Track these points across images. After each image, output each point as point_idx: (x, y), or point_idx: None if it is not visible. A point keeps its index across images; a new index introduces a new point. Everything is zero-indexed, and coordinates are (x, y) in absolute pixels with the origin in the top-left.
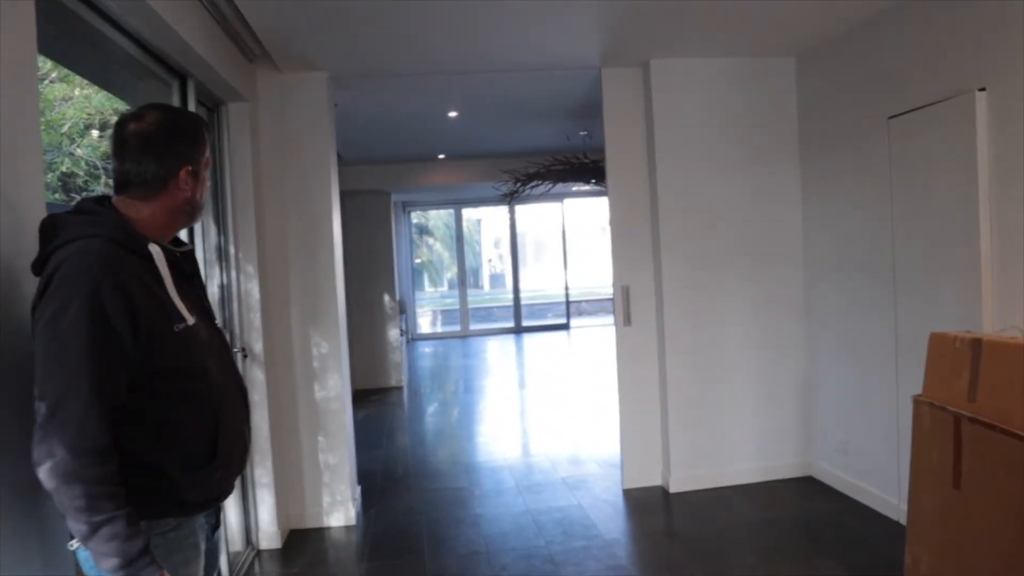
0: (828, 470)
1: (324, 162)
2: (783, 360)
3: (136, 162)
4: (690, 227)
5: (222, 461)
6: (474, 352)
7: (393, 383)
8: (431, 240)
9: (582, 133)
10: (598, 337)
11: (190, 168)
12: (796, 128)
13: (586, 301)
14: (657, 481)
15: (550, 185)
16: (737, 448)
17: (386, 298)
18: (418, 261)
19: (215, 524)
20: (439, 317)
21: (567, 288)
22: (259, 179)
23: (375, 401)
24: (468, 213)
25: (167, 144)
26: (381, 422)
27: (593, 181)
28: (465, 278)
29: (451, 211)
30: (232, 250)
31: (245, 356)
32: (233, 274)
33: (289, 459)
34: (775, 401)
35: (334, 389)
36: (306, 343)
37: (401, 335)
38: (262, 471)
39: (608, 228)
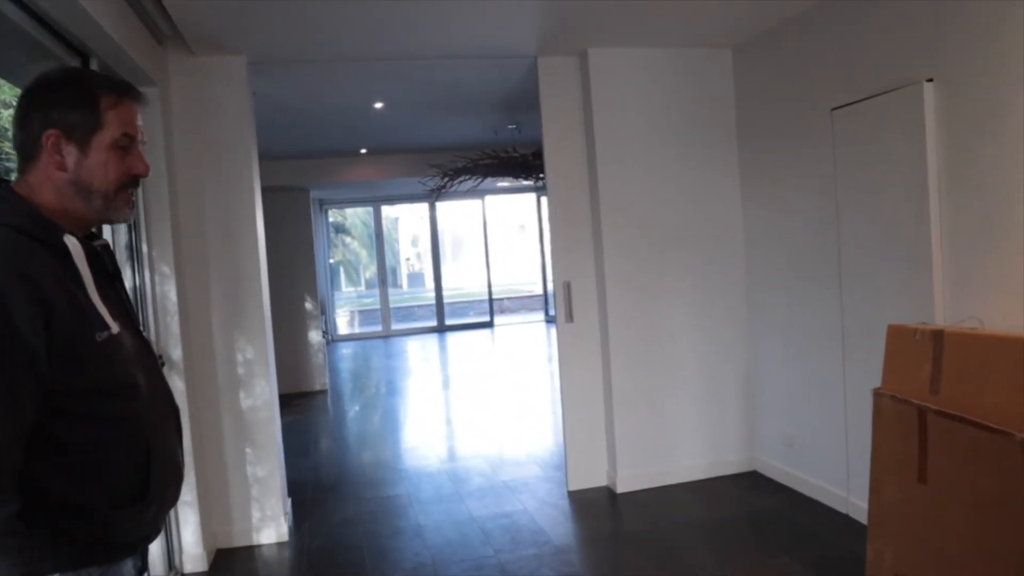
0: (773, 464)
1: (245, 153)
2: (726, 355)
3: (14, 127)
4: (631, 219)
5: (157, 494)
6: (398, 352)
7: (317, 387)
8: (348, 239)
9: (511, 126)
10: (522, 334)
11: (59, 132)
12: (735, 121)
13: (508, 298)
14: (603, 482)
15: (478, 180)
16: (682, 445)
17: (307, 299)
18: (334, 260)
19: (142, 567)
20: (357, 317)
21: (490, 286)
22: (173, 171)
23: (299, 406)
24: (387, 211)
25: (30, 103)
26: (307, 428)
27: (523, 176)
28: (386, 277)
29: (370, 209)
30: (145, 248)
31: (163, 364)
32: (147, 275)
33: (214, 474)
34: (719, 397)
35: (261, 396)
36: (229, 348)
37: (323, 336)
38: (184, 488)
39: (526, 226)
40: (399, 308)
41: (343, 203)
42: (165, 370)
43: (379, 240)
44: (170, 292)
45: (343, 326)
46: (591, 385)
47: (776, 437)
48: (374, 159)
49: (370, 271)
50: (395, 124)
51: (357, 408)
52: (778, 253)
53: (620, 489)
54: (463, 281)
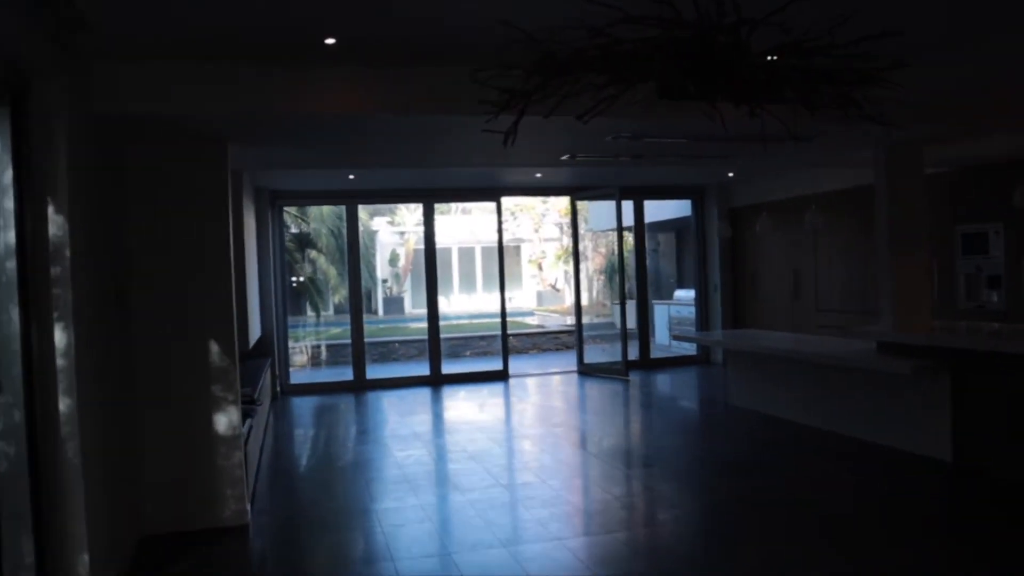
0: None
1: None
2: None
3: None
4: None
5: None
6: (377, 426)
7: (227, 517)
8: (313, 253)
9: None
10: (559, 396)
11: None
12: None
13: (514, 335)
14: None
15: (597, 102)
16: None
17: (214, 349)
18: (297, 280)
19: None
20: (321, 353)
21: (504, 316)
22: None
23: None
24: (363, 218)
25: None
26: None
27: (724, 88)
28: (360, 303)
29: (340, 211)
30: None
31: None
32: None
33: None
34: None
35: None
36: None
37: (252, 410)
38: None
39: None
40: (374, 343)
41: (304, 198)
42: None
43: (352, 251)
44: None
45: (299, 368)
46: None
47: None
48: (351, 72)
49: (339, 295)
50: None
51: None
52: None
53: None
54: (448, 307)
